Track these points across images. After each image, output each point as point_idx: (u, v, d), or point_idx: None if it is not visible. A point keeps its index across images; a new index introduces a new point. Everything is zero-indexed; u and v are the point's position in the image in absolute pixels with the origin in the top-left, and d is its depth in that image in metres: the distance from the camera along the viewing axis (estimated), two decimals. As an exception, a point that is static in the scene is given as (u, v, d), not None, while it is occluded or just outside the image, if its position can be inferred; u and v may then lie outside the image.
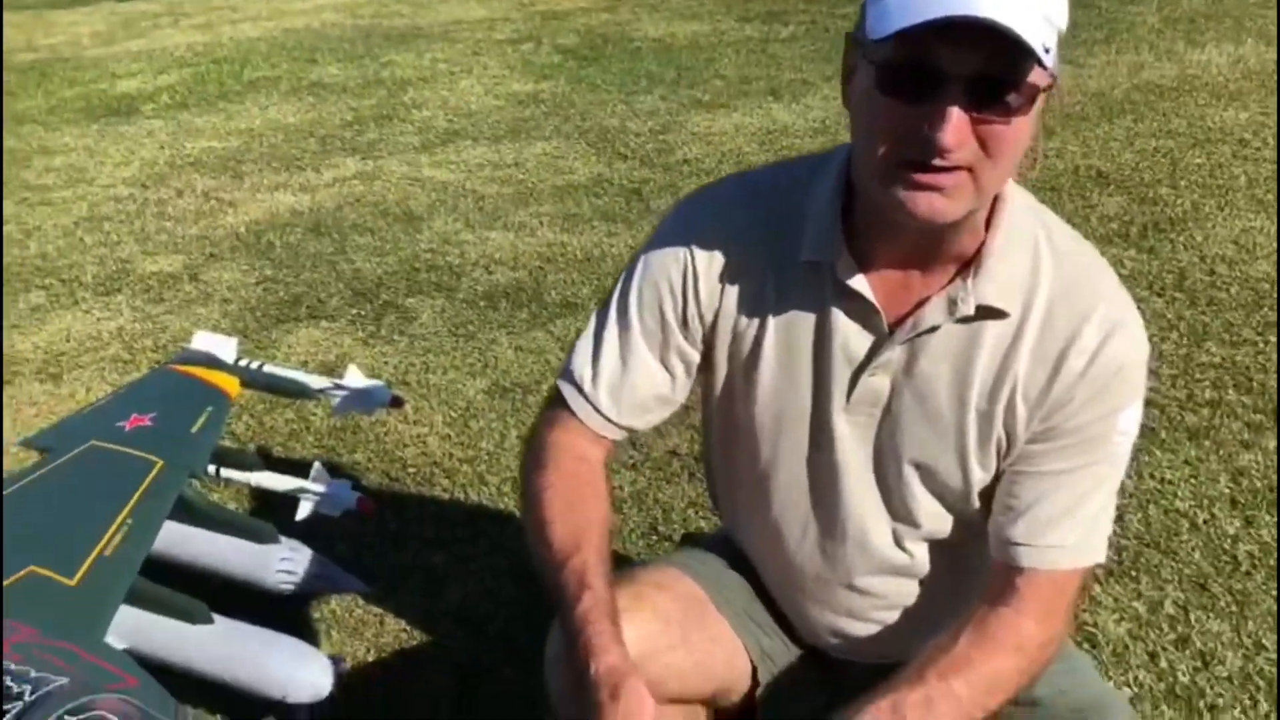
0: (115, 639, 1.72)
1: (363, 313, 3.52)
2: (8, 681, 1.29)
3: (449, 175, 4.82)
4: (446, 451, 2.74)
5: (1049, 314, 1.19)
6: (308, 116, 5.97)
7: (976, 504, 1.29)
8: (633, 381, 1.31)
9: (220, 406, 2.23)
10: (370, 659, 2.09)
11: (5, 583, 1.68)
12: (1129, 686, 1.90)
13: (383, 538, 2.41)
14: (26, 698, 1.26)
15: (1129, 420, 1.22)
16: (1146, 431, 2.56)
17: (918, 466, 1.28)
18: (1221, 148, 4.36)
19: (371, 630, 2.15)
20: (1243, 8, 6.40)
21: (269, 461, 2.37)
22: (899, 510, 1.32)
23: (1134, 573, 2.16)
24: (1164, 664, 1.94)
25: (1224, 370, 2.81)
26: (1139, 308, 1.22)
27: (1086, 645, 1.99)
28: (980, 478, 1.27)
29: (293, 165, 5.12)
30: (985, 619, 1.23)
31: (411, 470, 2.68)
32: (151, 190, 4.91)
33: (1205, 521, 2.29)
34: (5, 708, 1.25)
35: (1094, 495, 1.24)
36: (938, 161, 1.04)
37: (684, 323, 1.29)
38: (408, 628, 2.16)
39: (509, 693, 1.98)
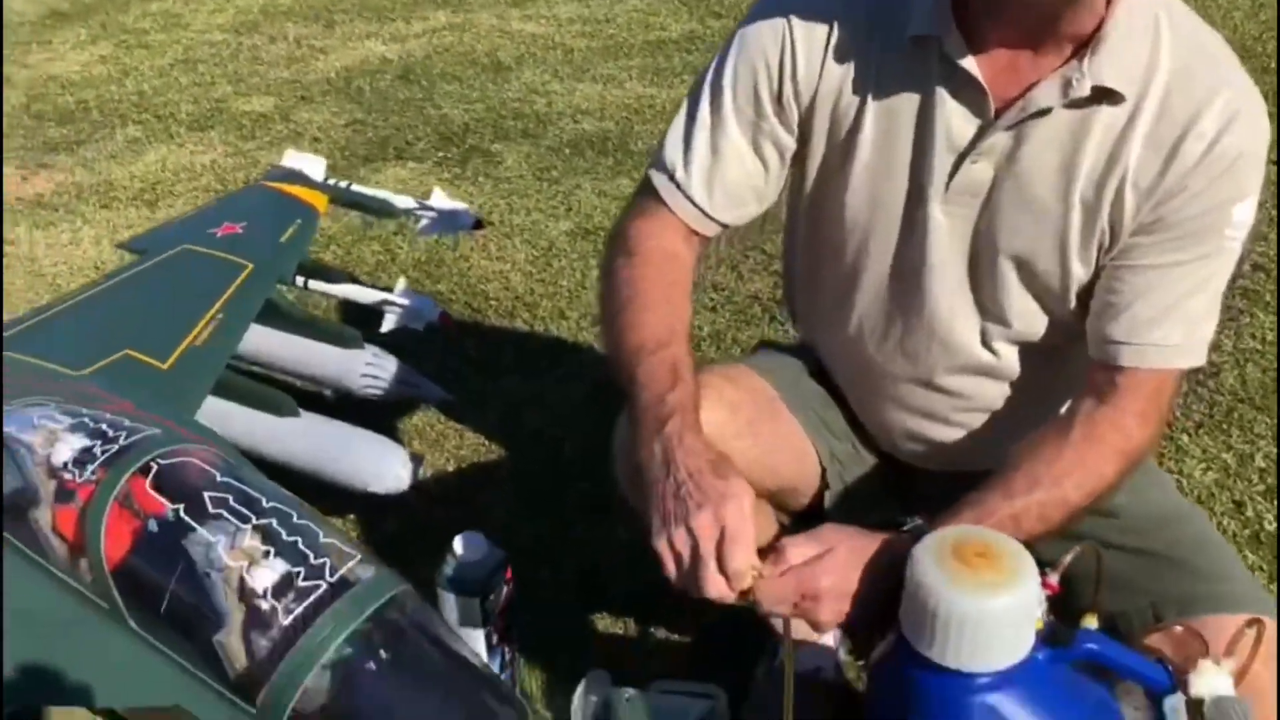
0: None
1: (449, 155, 3.52)
2: (104, 427, 1.34)
3: (538, 29, 4.75)
4: (528, 287, 2.75)
5: (1166, 98, 1.13)
6: (400, -31, 5.90)
7: (1072, 303, 1.25)
8: (726, 169, 1.28)
9: (308, 220, 2.25)
10: (450, 469, 2.14)
11: (100, 364, 1.74)
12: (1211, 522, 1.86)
13: (464, 363, 2.44)
14: (121, 442, 1.31)
15: (1244, 213, 1.16)
16: (1251, 294, 2.49)
17: (1015, 260, 1.23)
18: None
19: (451, 443, 2.20)
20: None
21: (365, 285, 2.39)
22: (989, 307, 1.28)
23: (1225, 426, 2.11)
24: (1250, 513, 1.90)
25: (1338, 238, 2.68)
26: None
27: (1169, 491, 1.95)
28: (1080, 274, 1.22)
29: (383, 16, 5.09)
30: (1090, 418, 1.20)
31: (494, 303, 2.69)
32: (245, 36, 4.93)
33: (1305, 382, 2.21)
34: (99, 450, 1.30)
35: (1200, 293, 1.19)
36: None
37: (779, 102, 1.25)
38: (486, 443, 2.20)
39: (582, 502, 2.01)
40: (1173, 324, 1.18)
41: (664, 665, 1.65)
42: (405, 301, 2.12)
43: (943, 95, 1.17)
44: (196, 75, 4.44)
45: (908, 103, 1.20)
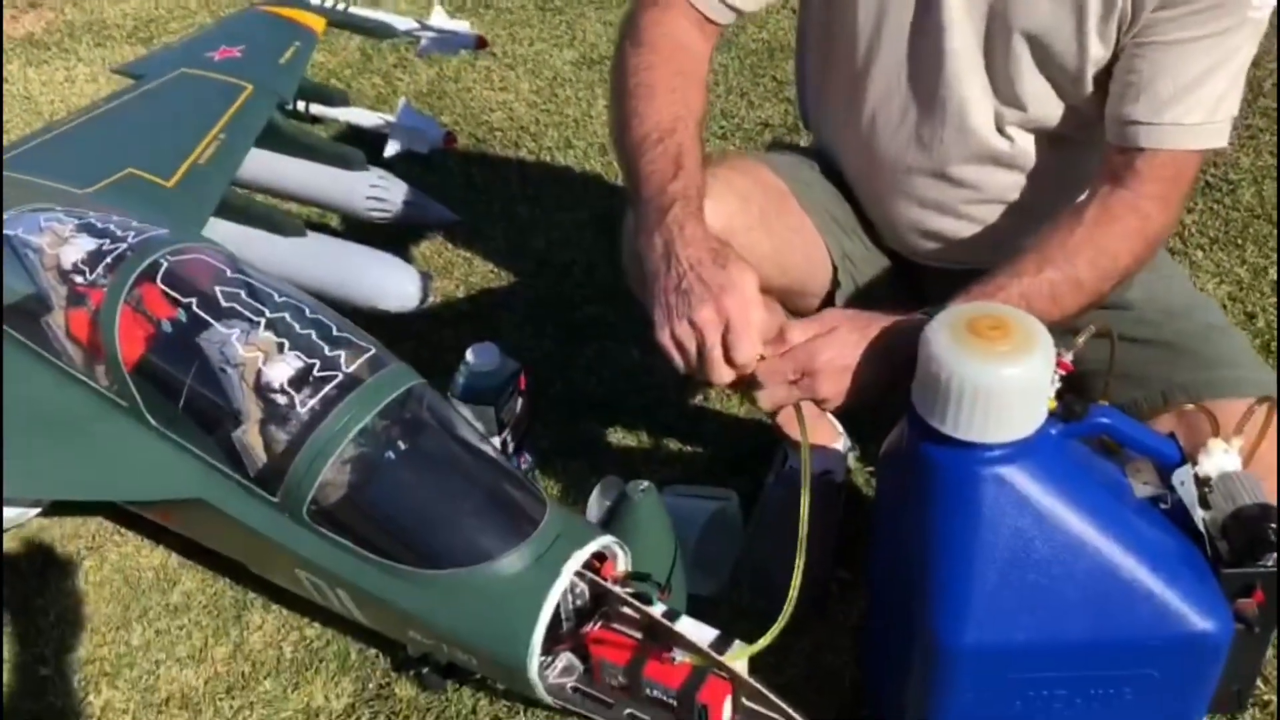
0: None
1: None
2: (111, 227, 1.33)
3: None
4: (533, 117, 2.70)
5: None
6: None
7: (1089, 85, 1.22)
8: None
9: (307, 41, 2.20)
10: (460, 294, 2.13)
11: (105, 182, 1.72)
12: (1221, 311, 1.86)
13: (470, 189, 2.41)
14: (130, 240, 1.30)
15: None
16: (1270, 112, 2.43)
17: (1030, 39, 1.20)
18: None
19: (460, 270, 2.19)
20: None
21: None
22: (1004, 90, 1.25)
23: (1240, 242, 2.08)
24: (1261, 323, 1.89)
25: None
26: None
27: (1181, 305, 1.95)
28: (1097, 54, 1.19)
29: None
30: (1106, 199, 1.18)
31: (498, 132, 2.65)
32: None
33: (1322, 198, 2.18)
34: (108, 249, 1.29)
35: (1221, 70, 1.16)
36: None
37: None
38: (495, 269, 2.19)
39: (592, 322, 2.01)
40: (1194, 102, 1.15)
41: (678, 474, 1.68)
42: (408, 123, 2.08)
43: None
44: (184, -89, 4.27)
45: None
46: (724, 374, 1.08)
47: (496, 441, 1.55)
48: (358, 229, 2.07)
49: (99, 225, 1.34)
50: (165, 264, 1.26)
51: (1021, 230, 1.31)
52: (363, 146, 2.11)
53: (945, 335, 1.00)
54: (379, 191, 1.95)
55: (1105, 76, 1.20)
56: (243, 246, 1.82)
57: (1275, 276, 2.00)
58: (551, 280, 2.14)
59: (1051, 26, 1.18)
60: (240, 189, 1.94)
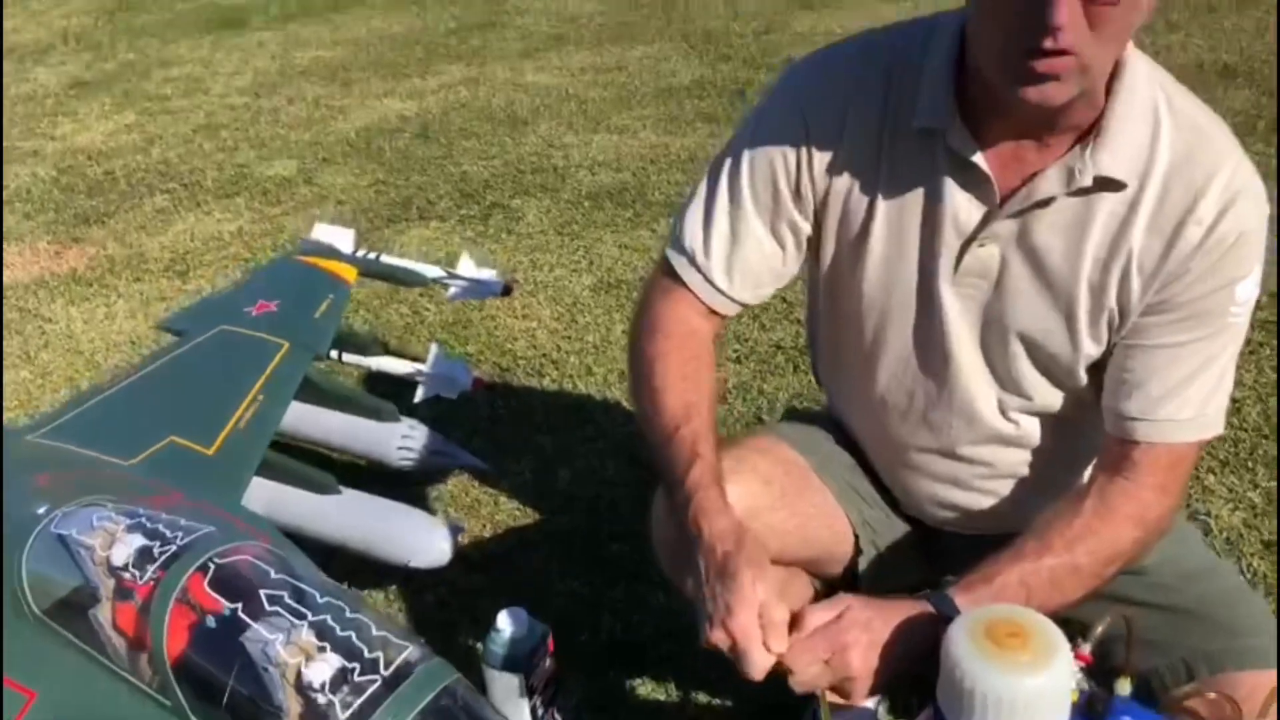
0: (252, 507, 1.83)
1: (470, 213, 3.59)
2: (161, 527, 1.38)
3: (552, 80, 4.83)
4: (555, 344, 2.80)
5: (1166, 185, 1.16)
6: (413, 25, 6.02)
7: (1084, 379, 1.29)
8: (745, 254, 1.32)
9: (340, 293, 2.31)
10: (486, 534, 2.18)
11: (147, 453, 1.80)
12: (1241, 574, 1.88)
13: (495, 423, 2.49)
14: (178, 543, 1.36)
15: (1247, 290, 1.20)
16: (1269, 325, 2.51)
17: (1025, 339, 1.27)
18: (1362, 37, 4.13)
19: (487, 508, 2.24)
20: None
21: (386, 353, 2.45)
22: (1006, 382, 1.32)
23: (1250, 464, 2.12)
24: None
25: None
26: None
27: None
28: (1090, 351, 1.26)
29: (399, 73, 5.19)
30: (1105, 489, 1.23)
31: (522, 362, 2.74)
32: (264, 99, 5.03)
33: (1328, 416, 2.23)
34: (158, 551, 1.35)
35: (1210, 368, 1.22)
36: (1048, 44, 1.02)
37: (797, 193, 1.29)
38: (520, 506, 2.24)
39: (618, 560, 2.04)
40: (1185, 399, 1.21)
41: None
42: (438, 370, 2.17)
43: (949, 183, 1.21)
44: (219, 141, 4.54)
45: (916, 189, 1.24)
46: (761, 671, 1.13)
47: (526, 708, 1.57)
48: (389, 473, 2.13)
49: (148, 524, 1.39)
50: (213, 566, 1.31)
51: (1036, 498, 1.36)
52: (394, 385, 2.21)
53: (966, 642, 1.04)
54: (408, 443, 2.02)
55: (1101, 369, 1.27)
56: (279, 504, 1.90)
57: (1289, 501, 2.03)
58: (578, 517, 2.19)
59: (1045, 329, 1.25)
60: (278, 439, 2.01)
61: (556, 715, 1.67)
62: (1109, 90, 1.15)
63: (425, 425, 2.08)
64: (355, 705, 1.20)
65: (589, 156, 3.93)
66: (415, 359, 2.27)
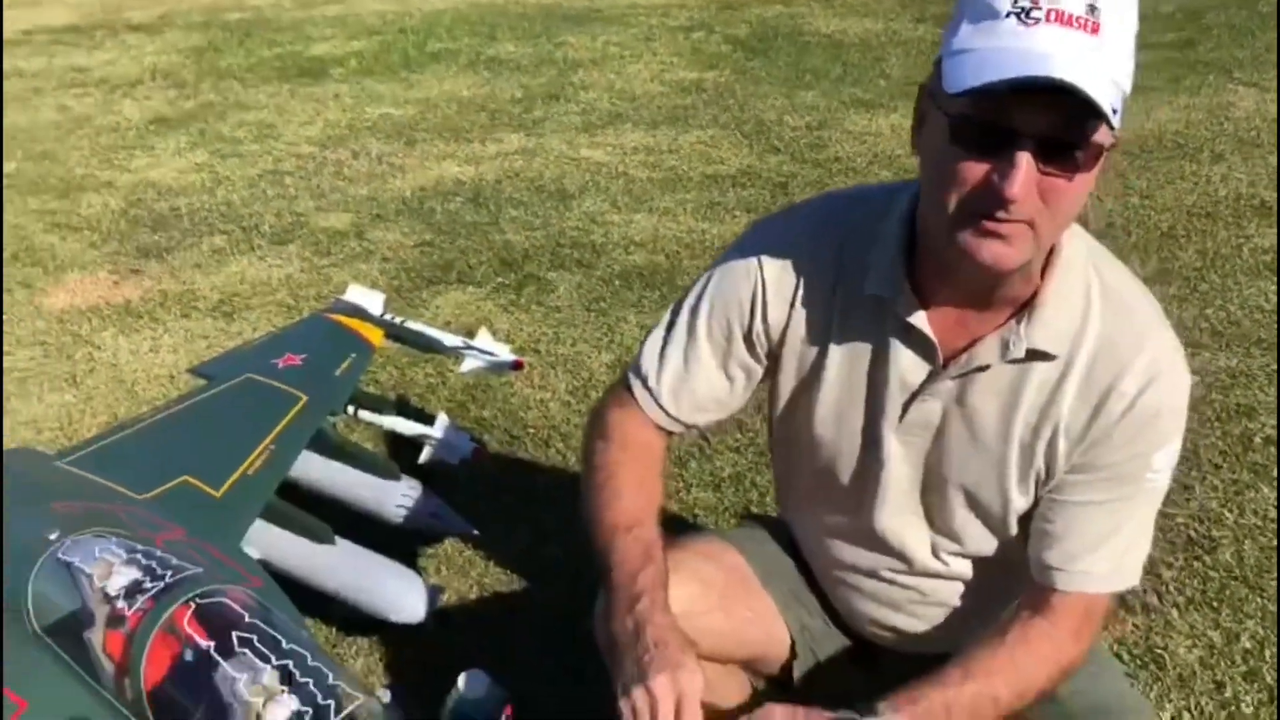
0: (250, 549, 1.96)
1: (506, 281, 3.74)
2: (154, 564, 1.51)
3: (604, 156, 5.01)
4: (565, 417, 2.92)
5: (1094, 360, 1.26)
6: (481, 91, 6.25)
7: (1014, 528, 1.38)
8: (693, 385, 1.44)
9: (363, 353, 2.46)
10: (473, 596, 2.29)
11: (161, 489, 1.94)
12: (1188, 712, 1.93)
13: (497, 489, 2.61)
14: (167, 579, 1.49)
15: (1163, 459, 1.29)
16: (1259, 468, 2.56)
17: (962, 489, 1.37)
18: (1399, 186, 4.18)
19: (477, 570, 2.35)
20: None
21: (404, 410, 2.59)
22: (940, 526, 1.41)
23: (1216, 604, 2.18)
24: (1229, 693, 1.96)
25: (1353, 415, 2.75)
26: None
27: (1153, 666, 2.03)
28: (1020, 504, 1.35)
29: (461, 137, 5.40)
30: (1026, 627, 1.32)
31: (531, 431, 2.87)
32: (330, 150, 5.26)
33: (1302, 563, 2.27)
34: (148, 585, 1.48)
35: (1126, 526, 1.31)
36: (1001, 214, 1.10)
37: (749, 338, 1.41)
38: (508, 573, 2.35)
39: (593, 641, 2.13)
40: (1101, 555, 1.30)
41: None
42: (442, 436, 2.30)
43: (896, 344, 1.32)
44: (282, 188, 4.76)
45: (865, 347, 1.35)
46: None
47: (480, 767, 1.66)
48: (389, 527, 2.25)
49: (144, 560, 1.53)
50: (194, 605, 1.44)
51: (966, 624, 1.45)
52: (400, 453, 2.33)
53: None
54: (405, 501, 2.15)
55: (1029, 520, 1.36)
56: (276, 548, 2.02)
57: (1246, 644, 2.08)
58: (563, 591, 2.29)
59: (979, 480, 1.35)
60: (280, 490, 2.14)
61: (508, 782, 1.76)
62: (1046, 268, 1.25)
63: (426, 486, 2.20)
64: (305, 748, 1.31)
65: (627, 235, 4.08)
66: (430, 419, 2.41)
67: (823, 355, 1.37)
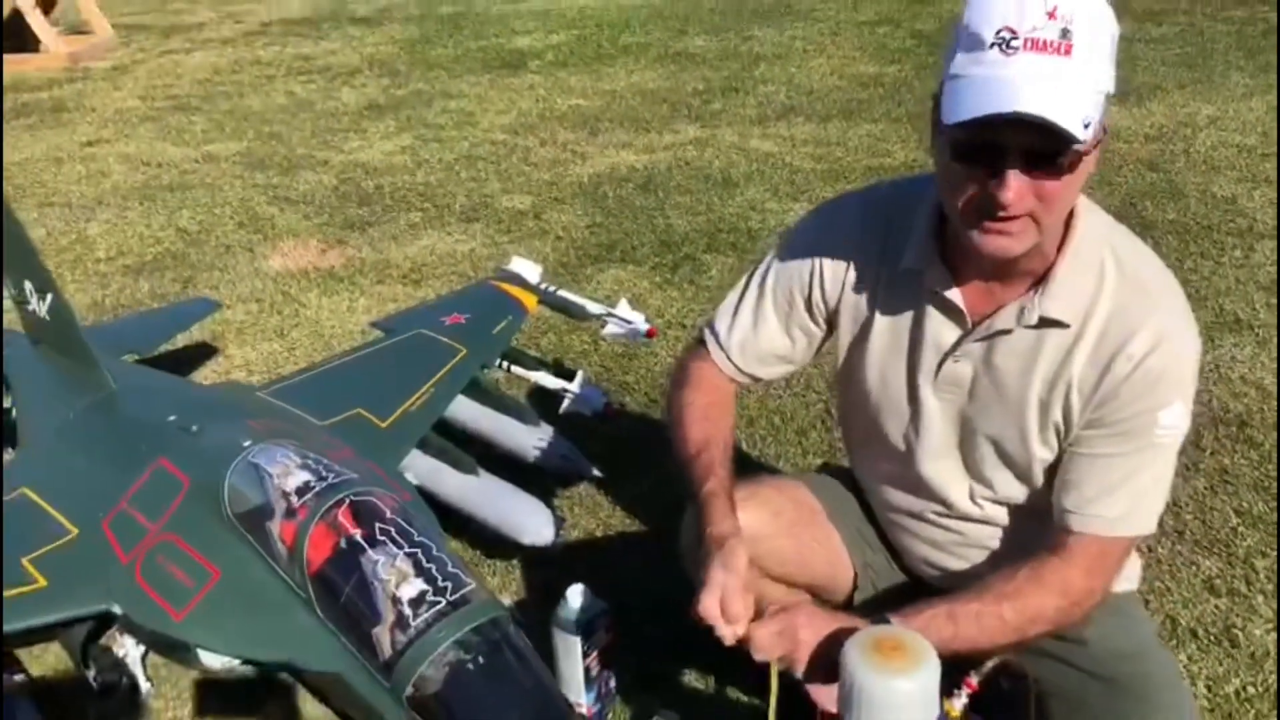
0: (408, 474, 2.30)
1: (663, 261, 4.01)
2: (321, 468, 1.86)
3: (773, 148, 5.22)
4: (703, 386, 3.17)
5: (1105, 326, 1.43)
6: (665, 84, 6.55)
7: (1040, 478, 1.55)
8: (759, 342, 1.68)
9: (518, 315, 2.78)
10: (599, 534, 2.57)
11: (337, 418, 2.30)
12: (1252, 686, 2.02)
13: (628, 443, 2.87)
14: (330, 480, 1.83)
15: (1170, 417, 1.43)
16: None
17: (991, 440, 1.55)
18: None
19: (604, 511, 2.63)
20: None
21: (557, 369, 2.90)
22: (975, 473, 1.60)
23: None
24: (1297, 674, 2.04)
25: None
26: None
27: (1226, 644, 2.12)
28: (1042, 454, 1.52)
29: (641, 127, 5.71)
30: (1040, 564, 1.49)
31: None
32: (520, 137, 5.67)
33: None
34: (314, 484, 1.82)
35: (1137, 477, 1.46)
36: (1001, 214, 1.31)
37: (809, 306, 1.64)
38: (634, 513, 2.62)
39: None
40: (1113, 501, 1.46)
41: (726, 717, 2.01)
42: (580, 391, 2.59)
43: (931, 311, 1.52)
44: (474, 171, 5.18)
45: (906, 313, 1.56)
46: (726, 641, 1.45)
47: (580, 669, 1.95)
48: (523, 468, 2.56)
49: (313, 464, 1.87)
50: (349, 500, 1.77)
51: (1002, 565, 1.62)
52: (543, 403, 2.64)
53: (856, 651, 1.34)
54: (542, 444, 2.45)
55: (1054, 471, 1.53)
56: (429, 475, 2.36)
57: None
58: (672, 536, 2.54)
59: (1003, 434, 1.53)
60: (436, 428, 2.48)
61: (608, 680, 2.04)
62: (1061, 246, 1.43)
63: (561, 434, 2.50)
64: (425, 617, 1.62)
65: (783, 223, 4.28)
66: (570, 379, 2.70)
67: (870, 320, 1.58)
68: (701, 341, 1.73)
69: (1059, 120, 1.21)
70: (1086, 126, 1.23)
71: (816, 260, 1.61)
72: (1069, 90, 1.23)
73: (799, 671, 1.45)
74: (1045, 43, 1.22)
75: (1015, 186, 1.27)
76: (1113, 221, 1.48)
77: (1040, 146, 1.25)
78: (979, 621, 1.45)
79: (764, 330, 1.66)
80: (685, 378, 1.72)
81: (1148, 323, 1.40)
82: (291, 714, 2.06)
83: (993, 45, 1.24)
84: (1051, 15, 1.22)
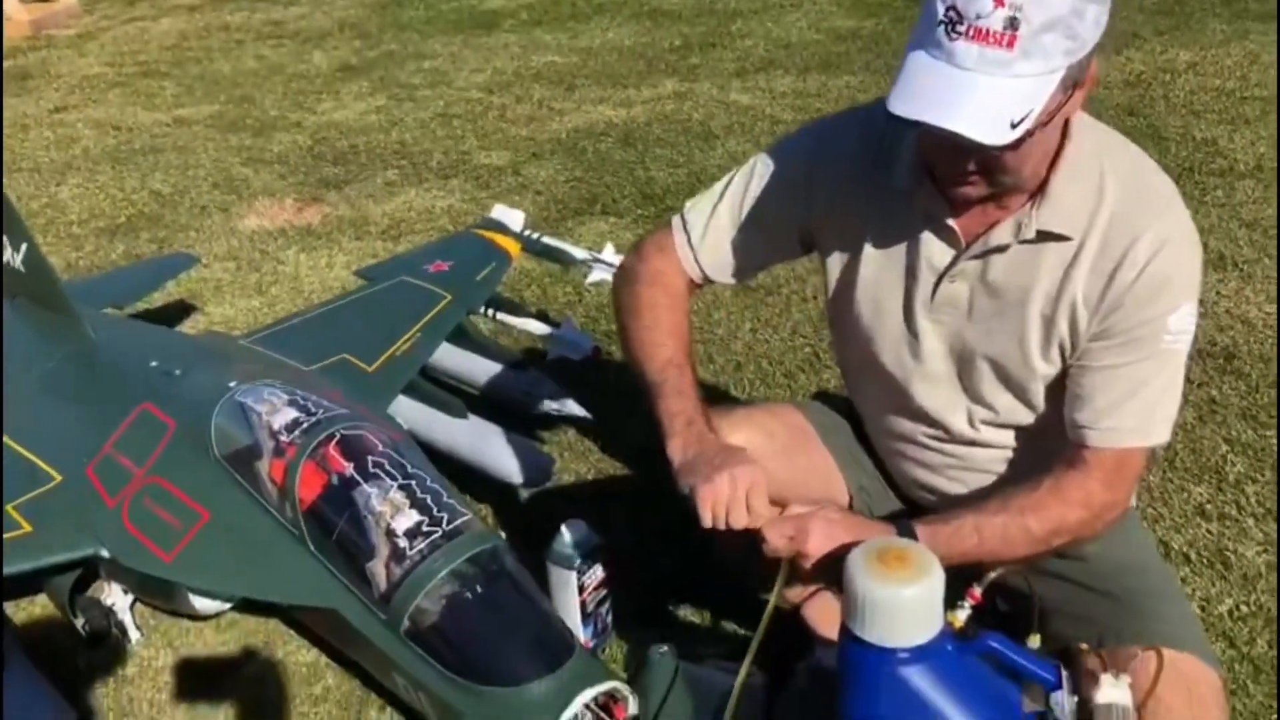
0: (397, 419, 2.27)
1: (645, 213, 3.98)
2: (309, 405, 1.83)
3: (753, 100, 5.18)
4: (689, 332, 3.15)
5: (1106, 236, 1.41)
6: (642, 40, 6.48)
7: (1041, 395, 1.53)
8: (728, 247, 1.64)
9: (502, 262, 2.75)
10: (589, 477, 2.56)
11: (323, 363, 2.27)
12: (1245, 605, 2.03)
13: (616, 388, 2.84)
14: (319, 416, 1.80)
15: (1178, 322, 1.42)
16: None
17: (990, 361, 1.53)
18: None
19: (594, 456, 2.62)
20: None
21: (542, 320, 2.87)
22: (973, 395, 1.58)
23: (1290, 516, 2.25)
24: (1289, 593, 2.05)
25: None
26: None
27: (1219, 565, 2.13)
28: (1044, 371, 1.50)
29: (618, 82, 5.65)
30: (1060, 477, 1.47)
31: (656, 344, 3.10)
32: (496, 95, 5.60)
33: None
34: (303, 421, 1.79)
35: (1149, 386, 1.44)
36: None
37: (791, 220, 1.60)
38: (623, 458, 2.61)
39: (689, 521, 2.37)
40: (1127, 411, 1.44)
41: (729, 652, 2.00)
42: (566, 336, 2.57)
43: (924, 232, 1.50)
44: (450, 129, 5.12)
45: (898, 235, 1.53)
46: (742, 516, 1.43)
47: (576, 603, 1.93)
48: (511, 412, 2.54)
49: (301, 401, 1.84)
50: (338, 435, 1.75)
51: (1001, 489, 1.61)
52: (531, 347, 2.61)
53: (861, 561, 1.33)
54: (529, 387, 2.43)
55: (1057, 388, 1.51)
56: (417, 420, 2.34)
57: None
58: (667, 476, 2.53)
59: (1005, 352, 1.51)
60: (427, 371, 2.46)
61: (604, 614, 2.03)
62: (1056, 158, 1.40)
63: (548, 377, 2.48)
64: (420, 547, 1.60)
65: (765, 173, 4.25)
66: (556, 325, 2.68)
67: (861, 241, 1.55)
68: (669, 231, 1.69)
69: (976, 136, 1.21)
70: (1017, 125, 1.21)
71: (808, 174, 1.57)
72: (997, 94, 1.21)
73: (811, 555, 1.43)
74: (987, 32, 1.19)
75: (955, 175, 1.33)
76: (1110, 131, 1.46)
77: (973, 145, 1.24)
78: (1004, 533, 1.44)
79: (737, 238, 1.63)
80: (644, 273, 1.67)
81: (1150, 228, 1.39)
82: (279, 662, 2.04)
83: (940, 24, 1.22)
84: (999, 3, 1.18)
